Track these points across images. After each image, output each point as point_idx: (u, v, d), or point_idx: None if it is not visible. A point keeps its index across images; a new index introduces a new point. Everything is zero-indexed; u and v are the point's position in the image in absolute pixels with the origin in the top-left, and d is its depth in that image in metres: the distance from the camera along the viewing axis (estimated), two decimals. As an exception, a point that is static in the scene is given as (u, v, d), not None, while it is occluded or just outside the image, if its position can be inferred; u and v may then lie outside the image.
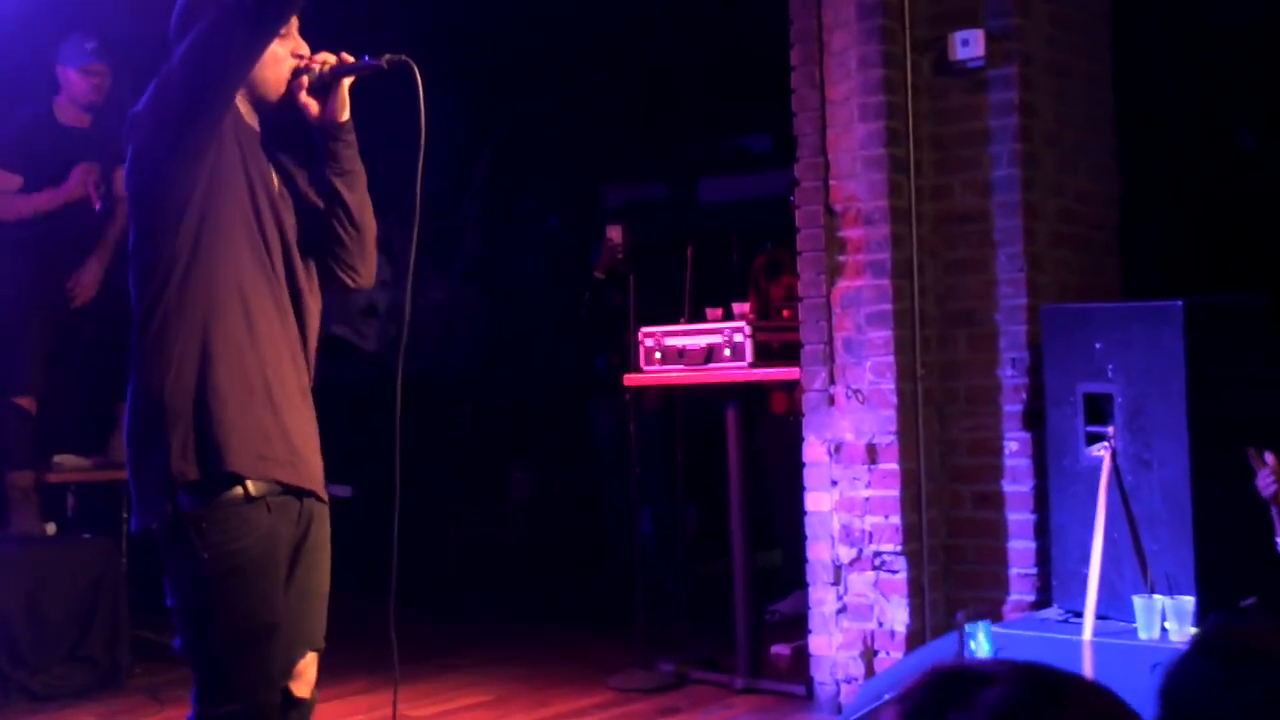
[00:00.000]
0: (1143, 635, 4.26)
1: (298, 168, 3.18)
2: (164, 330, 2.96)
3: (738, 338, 5.50)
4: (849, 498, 5.13)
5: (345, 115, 3.13)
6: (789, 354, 5.42)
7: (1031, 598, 4.92)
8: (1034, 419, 4.93)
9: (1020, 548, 4.98)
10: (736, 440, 5.65)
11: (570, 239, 9.55)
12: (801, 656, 5.42)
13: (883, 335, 5.07)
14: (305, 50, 3.12)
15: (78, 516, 6.44)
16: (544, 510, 8.76)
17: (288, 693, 3.06)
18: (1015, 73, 5.03)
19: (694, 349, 5.60)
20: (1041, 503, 4.90)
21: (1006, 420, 5.02)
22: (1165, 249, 6.02)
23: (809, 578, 5.25)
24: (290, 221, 3.11)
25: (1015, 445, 5.00)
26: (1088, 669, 4.21)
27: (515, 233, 10.00)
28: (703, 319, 5.73)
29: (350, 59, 3.09)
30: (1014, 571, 4.98)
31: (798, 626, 5.64)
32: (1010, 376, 5.01)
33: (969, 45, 5.08)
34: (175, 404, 2.94)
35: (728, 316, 5.63)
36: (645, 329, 5.78)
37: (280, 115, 3.11)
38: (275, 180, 3.11)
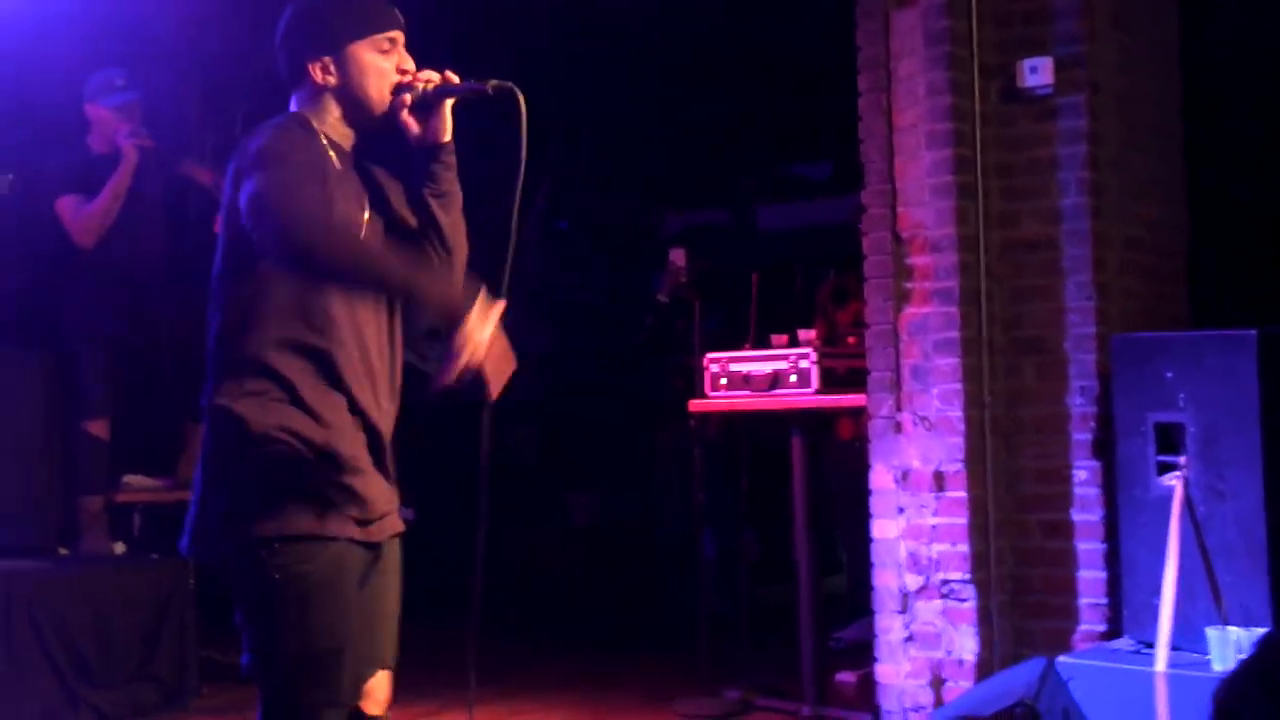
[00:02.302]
0: (1217, 667, 4.21)
1: (392, 186, 3.08)
2: (259, 360, 2.87)
3: (804, 364, 5.50)
4: (916, 525, 5.10)
5: (447, 136, 3.04)
6: (855, 380, 5.40)
7: (1102, 628, 4.88)
8: (1103, 448, 4.90)
9: (1090, 577, 4.94)
10: (801, 467, 5.63)
11: (632, 263, 9.58)
12: (867, 684, 5.39)
13: (950, 362, 5.05)
14: (410, 66, 3.02)
15: (145, 536, 6.50)
16: (606, 535, 8.76)
17: (359, 712, 3.02)
18: (1084, 100, 5.01)
19: (759, 375, 5.59)
20: (1111, 532, 4.86)
21: (1075, 449, 4.99)
22: (1234, 278, 5.98)
23: (875, 605, 5.22)
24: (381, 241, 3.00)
25: (1084, 474, 4.96)
26: (1161, 701, 4.17)
27: (576, 257, 10.04)
28: (767, 345, 5.73)
29: (455, 79, 3.00)
30: (1083, 601, 4.94)
31: (862, 654, 5.62)
32: (1079, 405, 4.98)
33: (1037, 73, 5.06)
34: (253, 451, 2.84)
35: (793, 343, 5.62)
36: (711, 354, 5.77)
37: (378, 131, 3.02)
38: (366, 200, 3.00)
